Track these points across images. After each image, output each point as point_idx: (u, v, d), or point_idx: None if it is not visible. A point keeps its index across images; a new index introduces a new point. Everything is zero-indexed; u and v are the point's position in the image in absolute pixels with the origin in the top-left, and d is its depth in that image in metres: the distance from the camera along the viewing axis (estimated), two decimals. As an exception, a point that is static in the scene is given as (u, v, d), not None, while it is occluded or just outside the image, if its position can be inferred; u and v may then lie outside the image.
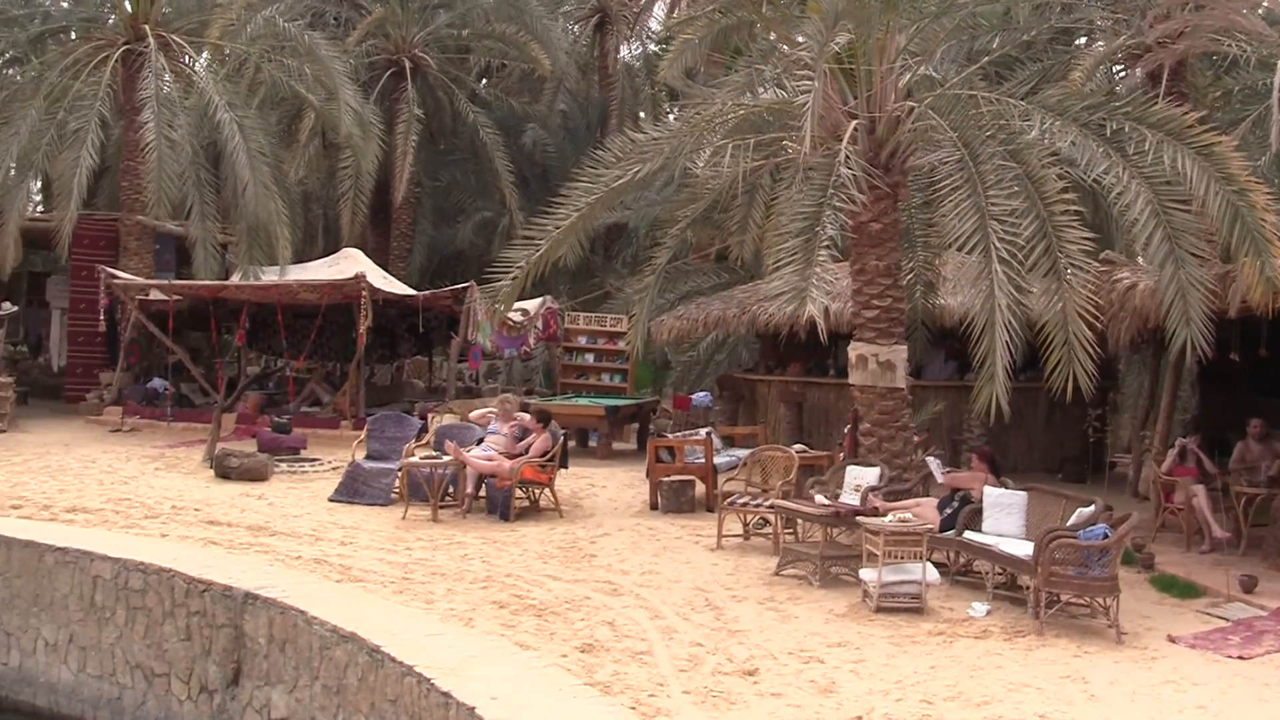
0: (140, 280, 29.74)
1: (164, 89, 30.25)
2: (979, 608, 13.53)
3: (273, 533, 17.25)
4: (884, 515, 14.42)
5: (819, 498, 16.21)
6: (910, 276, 20.24)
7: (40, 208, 39.53)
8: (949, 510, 15.18)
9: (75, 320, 33.02)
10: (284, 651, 11.41)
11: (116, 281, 28.95)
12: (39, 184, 38.22)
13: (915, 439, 18.39)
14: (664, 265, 20.64)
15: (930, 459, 16.90)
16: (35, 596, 14.09)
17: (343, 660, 10.56)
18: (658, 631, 12.56)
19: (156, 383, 30.14)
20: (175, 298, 28.82)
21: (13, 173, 30.14)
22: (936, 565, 14.36)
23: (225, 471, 22.00)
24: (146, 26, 31.25)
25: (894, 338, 17.39)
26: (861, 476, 16.47)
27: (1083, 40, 25.46)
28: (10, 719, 13.92)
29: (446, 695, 9.00)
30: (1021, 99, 16.66)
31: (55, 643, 13.87)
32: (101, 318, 30.73)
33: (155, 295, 28.97)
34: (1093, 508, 13.69)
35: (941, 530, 14.87)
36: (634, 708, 9.77)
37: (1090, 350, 14.11)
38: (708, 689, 10.82)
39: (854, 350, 17.59)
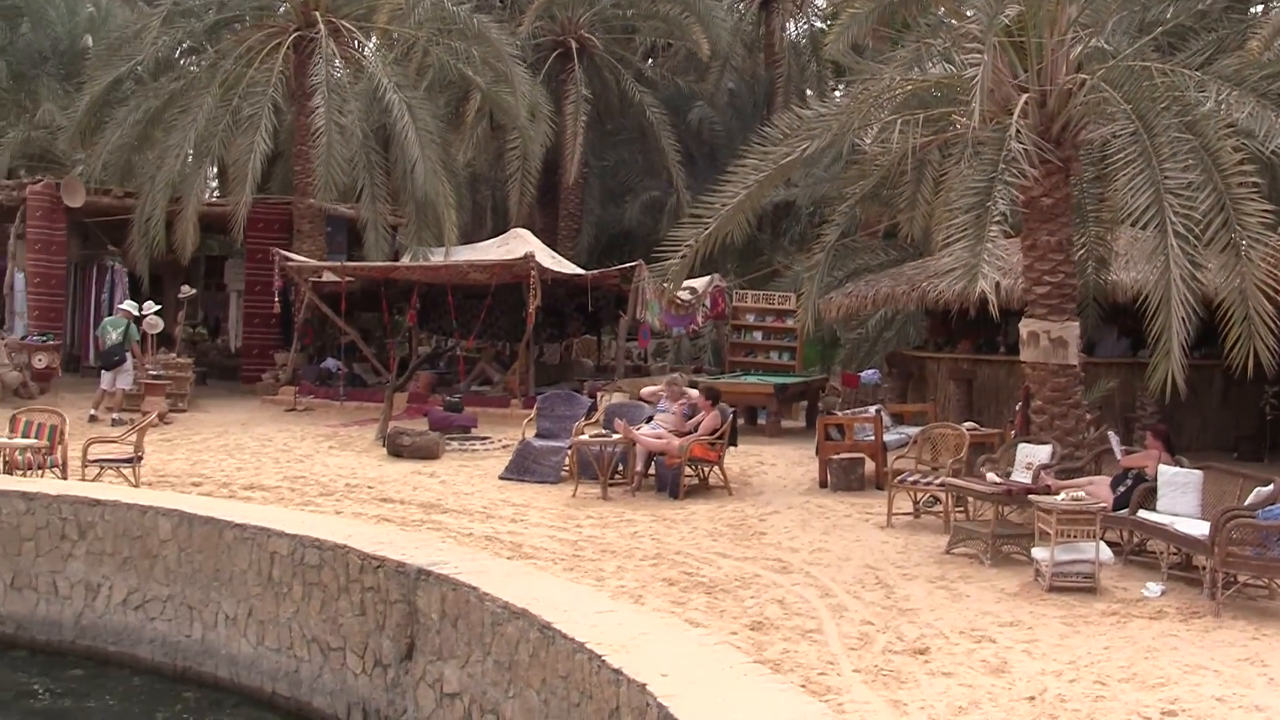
0: (313, 262, 30.30)
1: (334, 74, 30.80)
2: (1153, 588, 13.27)
3: (444, 510, 17.49)
4: (1056, 493, 14.22)
5: (990, 475, 16.02)
6: (1082, 252, 19.88)
7: (216, 193, 40.50)
8: (1122, 489, 14.92)
9: (251, 302, 33.74)
10: (456, 627, 11.55)
11: (290, 264, 29.53)
12: (215, 170, 39.22)
13: (1087, 417, 18.08)
14: (833, 243, 20.51)
15: (1111, 434, 16.65)
16: (215, 571, 14.42)
17: (514, 636, 10.65)
18: (828, 609, 12.51)
19: (330, 363, 30.70)
20: (347, 279, 29.31)
21: (190, 159, 30.90)
22: (1110, 545, 14.12)
23: (397, 450, 22.34)
24: (317, 13, 31.82)
25: (1066, 314, 17.10)
26: (1033, 454, 16.24)
27: (1259, 8, 24.77)
28: (193, 690, 14.27)
29: (617, 672, 9.03)
30: (1196, 69, 16.26)
31: (235, 616, 14.18)
32: (276, 300, 31.42)
33: (328, 277, 29.49)
34: (1271, 487, 13.34)
35: (1115, 509, 14.63)
36: (804, 686, 9.74)
37: (1271, 326, 13.77)
38: (878, 668, 10.76)
39: (1025, 327, 17.34)
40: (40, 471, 18.61)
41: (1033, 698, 10.01)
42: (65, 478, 18.59)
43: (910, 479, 17.42)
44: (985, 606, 12.71)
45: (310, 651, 13.30)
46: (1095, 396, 20.94)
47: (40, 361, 28.72)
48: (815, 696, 9.09)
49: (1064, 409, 17.25)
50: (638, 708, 8.74)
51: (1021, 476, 15.82)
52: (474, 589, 11.34)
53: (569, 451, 19.99)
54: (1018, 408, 19.07)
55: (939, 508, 17.07)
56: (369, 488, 19.22)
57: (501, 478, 20.19)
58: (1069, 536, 13.47)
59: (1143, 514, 14.32)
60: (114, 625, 15.36)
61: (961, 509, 16.60)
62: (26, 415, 19.73)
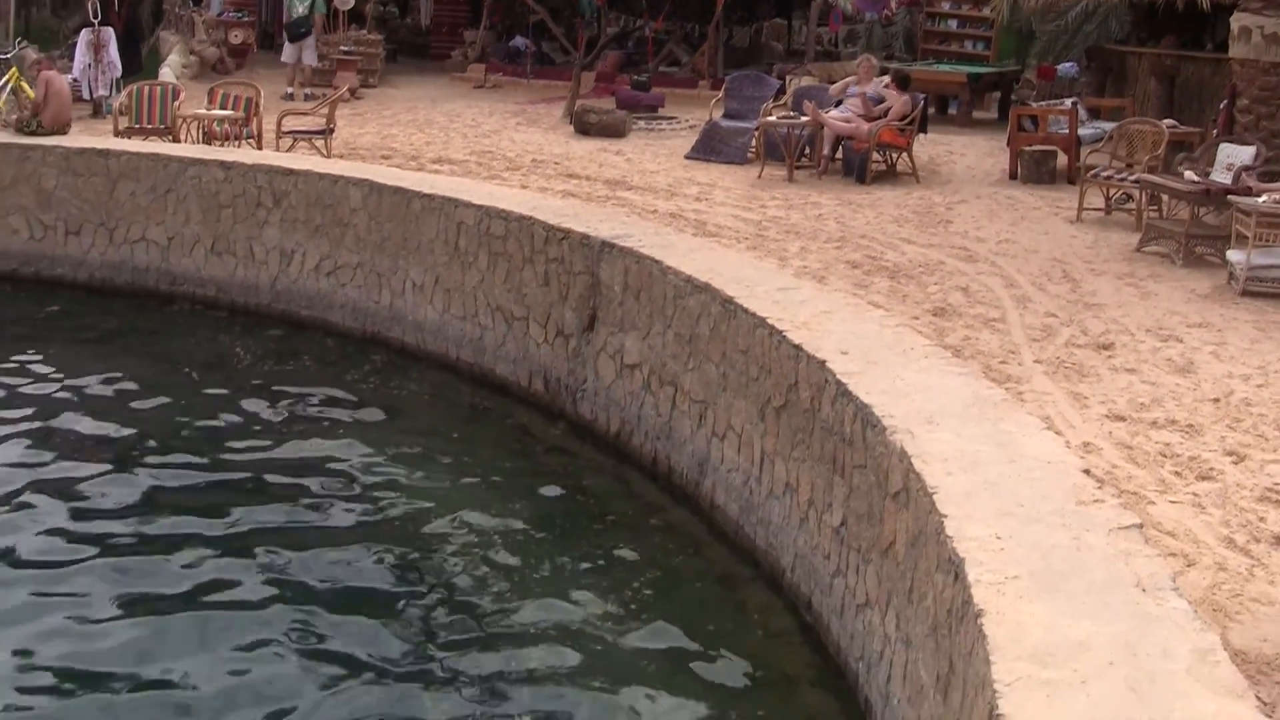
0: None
1: None
2: (1354, 294, 12.89)
3: (629, 187, 17.51)
4: (1258, 196, 13.75)
5: (1188, 174, 15.52)
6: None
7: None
8: (1329, 192, 14.39)
9: (441, -21, 33.51)
10: (638, 300, 11.64)
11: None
12: None
13: (1296, 117, 17.37)
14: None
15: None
16: (403, 240, 14.66)
17: (695, 310, 10.71)
18: (1011, 300, 12.38)
19: (518, 41, 30.54)
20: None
21: None
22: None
23: (584, 127, 22.32)
24: None
25: (1282, 8, 16.29)
26: (1235, 155, 15.67)
27: None
28: (381, 354, 14.67)
29: (797, 348, 9.06)
30: None
31: (422, 284, 14.44)
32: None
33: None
34: None
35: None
36: (984, 373, 9.70)
37: None
38: (1060, 360, 10.67)
39: (1237, 21, 16.54)
40: (237, 142, 19.01)
41: (1217, 400, 9.87)
42: (260, 148, 18.95)
43: (1104, 174, 17.00)
44: (1174, 306, 12.47)
45: (494, 320, 13.55)
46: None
47: (236, 37, 29.03)
48: (995, 384, 9.04)
49: (1272, 109, 16.55)
50: (816, 384, 8.80)
51: (1221, 177, 15.29)
52: (657, 262, 11.38)
53: (756, 133, 19.79)
54: (1222, 106, 18.35)
55: (1131, 205, 16.66)
56: (555, 163, 19.28)
57: (687, 157, 20.10)
58: (1267, 240, 13.07)
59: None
60: (307, 290, 15.79)
61: (1155, 207, 16.16)
62: (224, 88, 20.26)
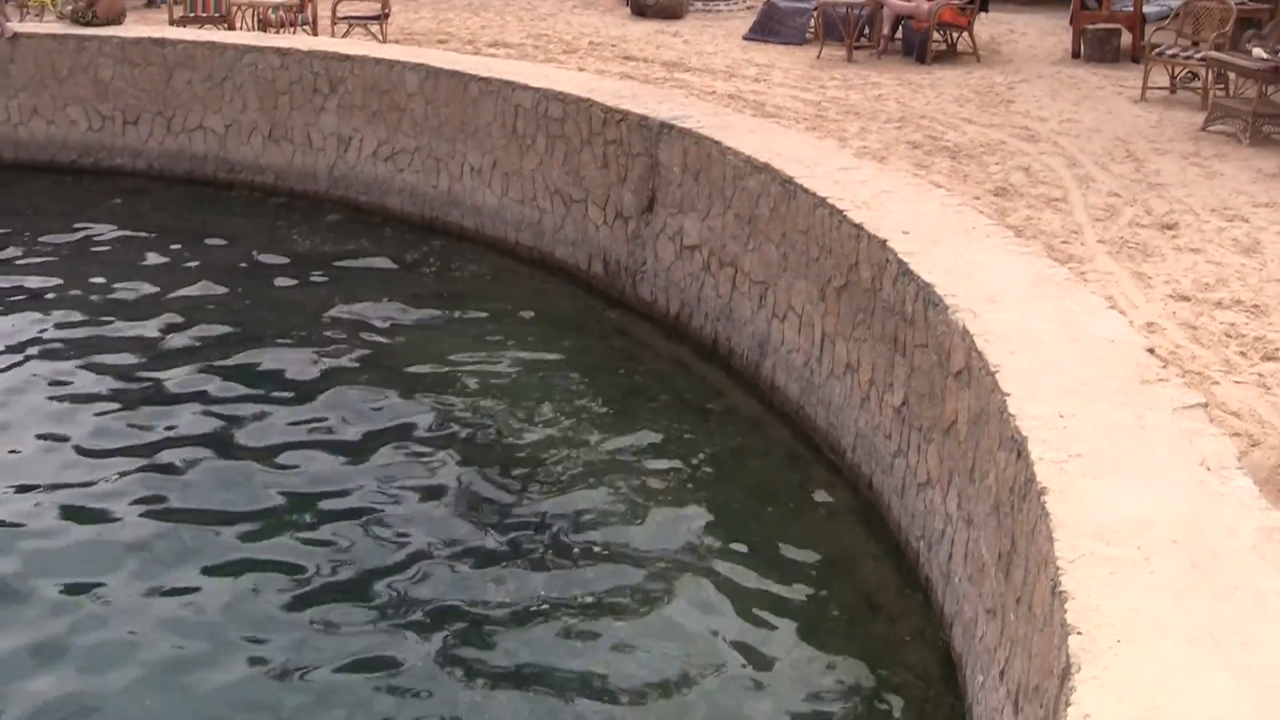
0: None
1: None
2: None
3: (687, 69, 17.40)
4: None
5: (1257, 52, 15.25)
6: None
7: None
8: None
9: None
10: (697, 181, 11.58)
11: None
12: None
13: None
14: None
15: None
16: (461, 124, 14.61)
17: (755, 191, 10.65)
18: (1074, 180, 12.27)
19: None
20: None
21: None
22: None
23: (641, 9, 22.15)
24: None
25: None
26: (1305, 30, 15.42)
27: None
28: (440, 239, 14.69)
29: (858, 228, 9.01)
30: None
31: (480, 168, 14.42)
32: None
33: None
34: None
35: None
36: (1047, 252, 9.63)
37: None
38: (1123, 240, 10.59)
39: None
40: (292, 29, 18.95)
41: (1284, 279, 9.79)
42: (316, 34, 18.90)
43: (1169, 52, 16.73)
44: (1240, 186, 12.32)
45: (553, 203, 13.53)
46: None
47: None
48: (1058, 264, 8.97)
49: (1344, -18, 16.26)
50: (877, 264, 8.75)
51: (1291, 54, 15.06)
52: (716, 143, 11.30)
53: (814, 13, 19.58)
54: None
55: (1197, 84, 16.40)
56: (612, 46, 19.16)
57: (745, 38, 19.93)
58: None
59: None
60: (364, 176, 15.80)
61: (1221, 86, 15.92)
62: (280, -24, 20.13)
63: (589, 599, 7.99)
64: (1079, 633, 4.58)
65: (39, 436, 10.07)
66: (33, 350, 11.63)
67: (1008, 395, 6.38)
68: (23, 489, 9.25)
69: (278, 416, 10.44)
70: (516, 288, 13.29)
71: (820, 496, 9.25)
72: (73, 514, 8.90)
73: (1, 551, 8.47)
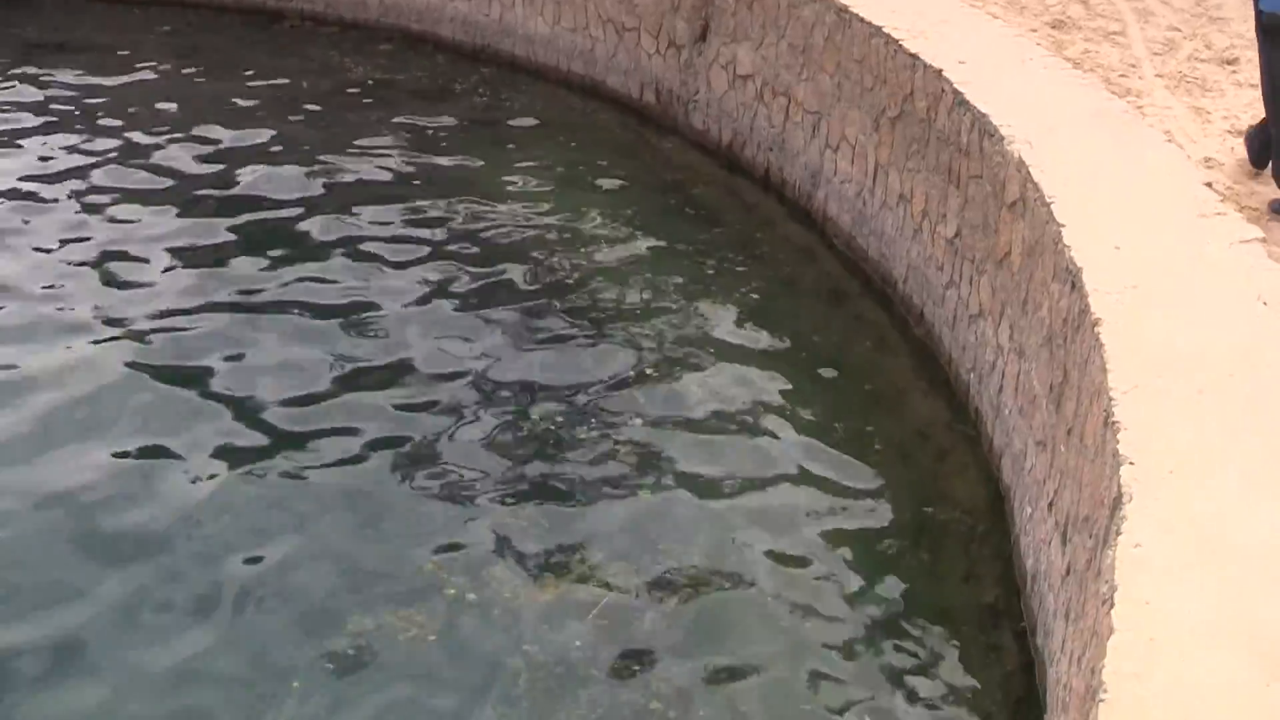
0: None
1: None
2: None
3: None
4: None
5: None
6: None
7: None
8: None
9: None
10: (751, 10, 11.44)
11: None
12: None
13: None
14: None
15: None
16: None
17: (810, 19, 10.53)
18: (1132, 13, 12.03)
19: None
20: None
21: None
22: None
23: None
24: None
25: None
26: None
27: None
28: (490, 66, 14.60)
29: (914, 57, 8.92)
30: None
31: (531, -5, 14.33)
32: None
33: None
34: None
35: None
36: (1104, 85, 9.51)
37: None
38: (1182, 74, 10.42)
39: None
40: None
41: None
42: None
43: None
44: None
45: (605, 31, 13.41)
46: None
47: None
48: (1114, 97, 8.87)
49: None
50: (933, 93, 8.68)
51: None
52: (770, -29, 11.17)
53: None
54: None
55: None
56: None
57: None
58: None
59: None
60: (416, 4, 15.67)
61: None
62: None
63: (638, 421, 8.09)
64: (1131, 463, 4.62)
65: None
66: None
67: (1063, 226, 6.37)
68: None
69: (324, 235, 10.56)
70: (568, 115, 13.22)
71: (870, 328, 9.27)
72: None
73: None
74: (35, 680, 5.98)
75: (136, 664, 6.08)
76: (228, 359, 8.68)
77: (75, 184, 11.45)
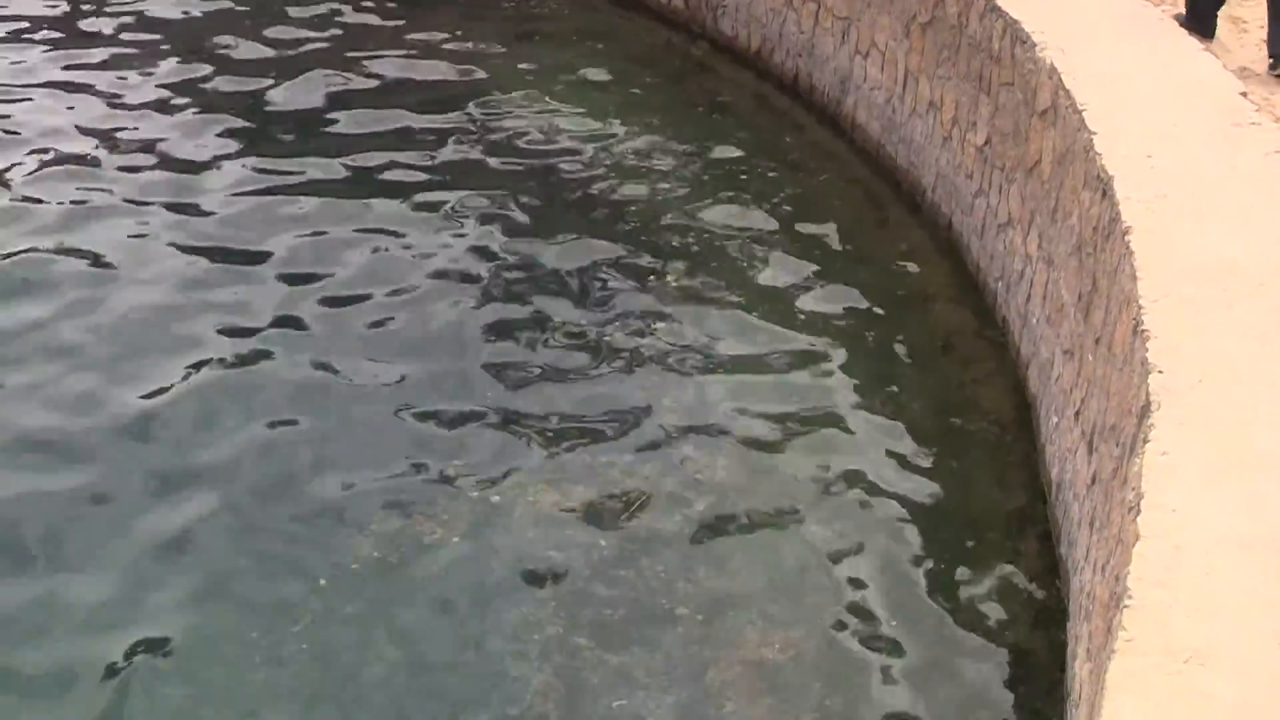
0: None
1: None
2: None
3: None
4: None
5: None
6: None
7: None
8: None
9: None
10: (782, -87, 11.36)
11: None
12: None
13: None
14: None
15: None
16: None
17: (841, -76, 10.45)
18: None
19: None
20: None
21: None
22: None
23: None
24: None
25: None
26: None
27: None
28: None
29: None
30: None
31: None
32: None
33: None
34: None
35: None
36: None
37: None
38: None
39: None
40: None
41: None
42: None
43: None
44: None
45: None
46: None
47: None
48: (1151, 4, 8.77)
49: None
50: None
51: None
52: None
53: None
54: None
55: None
56: None
57: None
58: None
59: None
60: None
61: None
62: None
63: (661, 325, 8.11)
64: (1160, 371, 4.62)
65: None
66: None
67: (1094, 134, 6.33)
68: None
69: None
70: (596, 22, 13.10)
71: (898, 236, 9.26)
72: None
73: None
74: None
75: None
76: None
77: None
